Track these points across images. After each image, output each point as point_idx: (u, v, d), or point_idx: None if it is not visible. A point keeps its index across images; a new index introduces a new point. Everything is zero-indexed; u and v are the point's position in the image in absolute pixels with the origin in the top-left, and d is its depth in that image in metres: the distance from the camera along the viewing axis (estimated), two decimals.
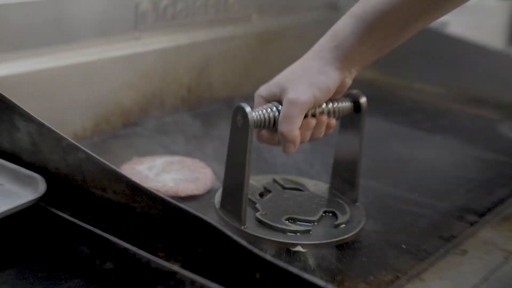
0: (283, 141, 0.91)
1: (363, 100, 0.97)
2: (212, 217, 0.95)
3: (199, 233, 0.76)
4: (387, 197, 1.08)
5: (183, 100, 1.38)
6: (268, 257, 0.71)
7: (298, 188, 1.04)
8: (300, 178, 1.08)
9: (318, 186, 1.06)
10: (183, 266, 0.79)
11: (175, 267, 0.74)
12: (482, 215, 1.05)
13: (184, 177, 1.07)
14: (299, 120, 0.89)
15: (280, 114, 0.89)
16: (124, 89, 1.27)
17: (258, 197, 1.00)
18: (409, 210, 1.05)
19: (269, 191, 1.02)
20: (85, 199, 0.85)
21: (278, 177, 1.06)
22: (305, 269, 0.87)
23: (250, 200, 0.98)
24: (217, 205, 0.97)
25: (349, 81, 0.93)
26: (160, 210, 0.78)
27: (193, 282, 0.73)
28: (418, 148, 1.31)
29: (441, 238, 0.98)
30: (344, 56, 0.90)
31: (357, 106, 0.97)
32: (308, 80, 0.89)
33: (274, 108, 0.90)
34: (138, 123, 1.29)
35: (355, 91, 0.97)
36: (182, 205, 0.77)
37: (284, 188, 1.04)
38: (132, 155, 1.15)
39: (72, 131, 1.19)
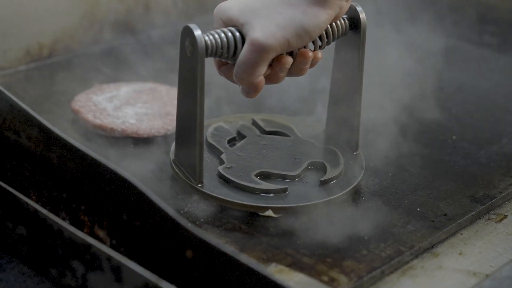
0: (240, 87, 0.85)
1: (362, 16, 0.88)
2: (164, 171, 0.91)
3: (121, 196, 0.72)
4: (406, 142, 1.00)
5: (176, 7, 1.32)
6: (200, 232, 0.66)
7: (282, 132, 0.97)
8: (290, 118, 1.01)
9: (311, 129, 0.98)
10: (110, 235, 0.75)
11: (90, 239, 0.70)
12: None
13: (152, 112, 1.03)
14: (261, 69, 0.82)
15: (239, 57, 0.82)
16: None
17: (226, 145, 0.94)
18: (437, 159, 0.98)
19: (243, 137, 0.96)
20: (0, 144, 0.82)
21: (259, 117, 0.99)
22: (273, 242, 0.81)
23: (215, 148, 0.93)
24: (172, 155, 0.91)
25: (345, 5, 0.84)
26: (77, 164, 0.74)
27: (109, 259, 0.69)
28: (475, 72, 1.22)
29: (473, 198, 0.90)
30: None
31: (354, 24, 0.89)
32: (283, 16, 0.81)
33: (237, 34, 0.83)
34: (112, 39, 1.24)
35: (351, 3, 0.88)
36: (99, 157, 0.72)
37: (263, 132, 0.97)
38: (97, 80, 1.11)
39: (24, 48, 1.16)
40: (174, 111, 1.01)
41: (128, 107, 1.03)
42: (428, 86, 1.15)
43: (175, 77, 1.10)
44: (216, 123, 0.98)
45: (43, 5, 1.17)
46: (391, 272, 0.80)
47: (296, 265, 0.78)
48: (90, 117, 1.00)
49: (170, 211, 0.68)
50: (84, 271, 0.71)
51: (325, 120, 0.99)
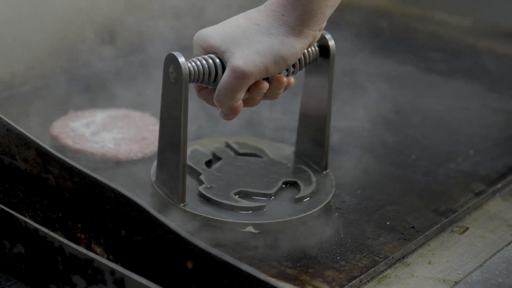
0: (219, 109, 0.90)
1: (331, 43, 0.95)
2: (146, 192, 0.96)
3: (121, 213, 0.76)
4: (371, 161, 1.08)
5: (140, 35, 1.37)
6: (201, 243, 0.71)
7: (255, 154, 1.03)
8: (261, 141, 1.08)
9: (282, 151, 1.05)
10: (106, 251, 0.80)
11: (92, 254, 0.74)
12: (491, 183, 1.04)
13: (128, 136, 1.07)
14: (240, 93, 0.88)
15: (220, 82, 0.88)
16: (66, 22, 1.26)
17: (204, 166, 1.00)
18: (399, 177, 1.05)
19: (219, 158, 1.02)
20: None
21: (232, 141, 1.06)
22: (256, 255, 0.87)
23: (193, 170, 0.98)
24: (153, 177, 0.96)
25: (318, 34, 0.91)
26: (76, 183, 0.79)
27: (112, 272, 0.73)
28: (427, 97, 1.30)
29: (437, 212, 0.97)
30: (308, 12, 0.86)
31: (324, 51, 0.96)
32: (262, 45, 0.86)
33: (217, 61, 0.88)
34: (80, 67, 1.28)
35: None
36: (99, 177, 0.77)
37: (237, 154, 1.03)
38: (70, 107, 1.15)
39: None
40: (149, 136, 1.07)
41: (105, 133, 1.08)
42: (385, 109, 1.23)
43: (144, 102, 1.16)
44: (192, 146, 1.04)
45: (15, 36, 1.21)
46: (368, 281, 0.86)
47: (281, 276, 0.84)
48: (69, 142, 1.04)
49: (172, 225, 0.73)
50: (86, 285, 0.75)
51: (294, 142, 1.05)
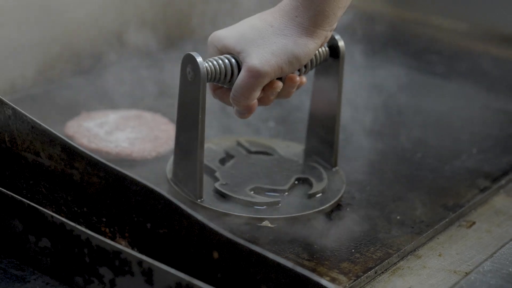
0: (235, 108, 0.93)
1: (341, 43, 0.98)
2: (163, 189, 0.98)
3: (147, 206, 0.79)
4: (380, 159, 1.11)
5: (147, 40, 1.39)
6: (228, 234, 0.74)
7: (267, 152, 1.06)
8: (271, 139, 1.11)
9: (291, 149, 1.08)
10: (131, 244, 0.82)
11: (120, 246, 0.77)
12: (496, 179, 1.07)
13: (141, 136, 1.10)
14: (256, 92, 0.91)
15: (236, 82, 0.91)
16: (76, 26, 1.28)
17: (218, 163, 1.03)
18: (407, 174, 1.08)
19: (232, 156, 1.05)
20: (16, 165, 0.88)
21: (243, 139, 1.08)
22: (274, 248, 0.90)
23: (208, 167, 1.01)
24: (169, 174, 0.99)
25: (329, 35, 0.93)
26: (102, 178, 0.81)
27: (140, 263, 0.75)
28: (428, 98, 1.34)
29: (444, 207, 1.01)
30: (320, 13, 0.89)
31: (334, 51, 0.99)
32: (277, 46, 0.89)
33: (233, 61, 0.91)
34: (91, 69, 1.31)
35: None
36: (127, 172, 0.79)
37: (249, 152, 1.06)
38: (82, 109, 1.17)
39: (10, 80, 1.21)
40: (162, 135, 1.09)
41: (118, 132, 1.10)
42: (388, 110, 1.26)
43: (155, 103, 1.19)
44: (205, 144, 1.06)
45: (26, 39, 1.23)
46: (383, 272, 0.89)
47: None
48: (85, 141, 1.07)
49: (198, 216, 0.75)
50: (113, 276, 0.78)
51: (303, 140, 1.08)
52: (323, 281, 0.68)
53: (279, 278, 0.71)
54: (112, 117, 1.14)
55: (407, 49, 1.53)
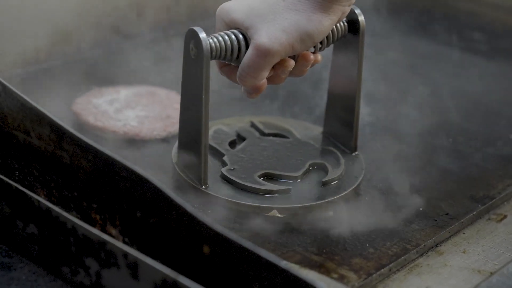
0: (242, 87, 0.86)
1: (361, 18, 0.90)
2: (168, 173, 0.92)
3: (136, 193, 0.72)
4: (404, 144, 1.02)
5: (168, 12, 1.33)
6: (219, 227, 0.67)
7: (281, 134, 0.98)
8: (288, 120, 1.03)
9: (309, 131, 1.00)
10: (122, 233, 0.76)
11: (106, 236, 0.71)
12: None
13: (152, 114, 1.03)
14: (264, 73, 0.84)
15: (243, 60, 0.83)
16: None
17: (227, 146, 0.95)
18: (434, 161, 1.00)
19: (243, 139, 0.97)
20: (7, 144, 0.82)
21: (257, 120, 1.01)
22: (280, 240, 0.83)
23: (216, 151, 0.94)
24: (174, 158, 0.92)
25: (347, 10, 0.86)
26: (91, 162, 0.75)
27: (125, 255, 0.69)
28: (466, 78, 1.25)
29: (473, 198, 0.92)
30: None
31: (353, 26, 0.91)
32: (289, 22, 0.82)
33: (241, 37, 0.84)
34: (106, 43, 1.24)
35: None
36: (114, 155, 0.73)
37: (263, 134, 0.98)
38: (95, 84, 1.11)
39: (21, 53, 1.16)
40: (174, 114, 1.03)
41: (128, 110, 1.04)
42: (421, 91, 1.17)
43: (171, 79, 1.12)
44: (215, 126, 0.99)
45: (40, 9, 1.18)
46: (398, 270, 0.81)
47: (305, 262, 0.80)
48: (91, 119, 1.01)
49: (188, 206, 0.69)
50: (99, 268, 0.72)
51: (322, 122, 1.00)
52: (318, 283, 0.61)
53: (272, 278, 0.65)
54: (124, 93, 1.08)
55: (446, 24, 1.44)
